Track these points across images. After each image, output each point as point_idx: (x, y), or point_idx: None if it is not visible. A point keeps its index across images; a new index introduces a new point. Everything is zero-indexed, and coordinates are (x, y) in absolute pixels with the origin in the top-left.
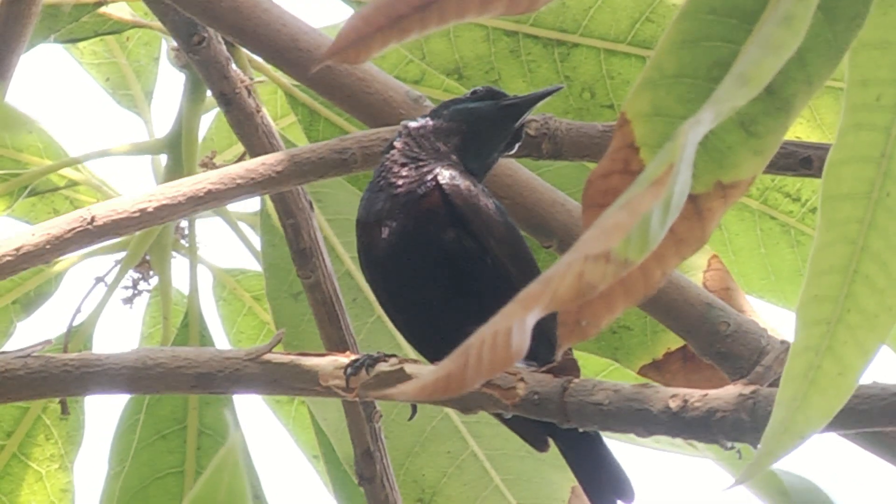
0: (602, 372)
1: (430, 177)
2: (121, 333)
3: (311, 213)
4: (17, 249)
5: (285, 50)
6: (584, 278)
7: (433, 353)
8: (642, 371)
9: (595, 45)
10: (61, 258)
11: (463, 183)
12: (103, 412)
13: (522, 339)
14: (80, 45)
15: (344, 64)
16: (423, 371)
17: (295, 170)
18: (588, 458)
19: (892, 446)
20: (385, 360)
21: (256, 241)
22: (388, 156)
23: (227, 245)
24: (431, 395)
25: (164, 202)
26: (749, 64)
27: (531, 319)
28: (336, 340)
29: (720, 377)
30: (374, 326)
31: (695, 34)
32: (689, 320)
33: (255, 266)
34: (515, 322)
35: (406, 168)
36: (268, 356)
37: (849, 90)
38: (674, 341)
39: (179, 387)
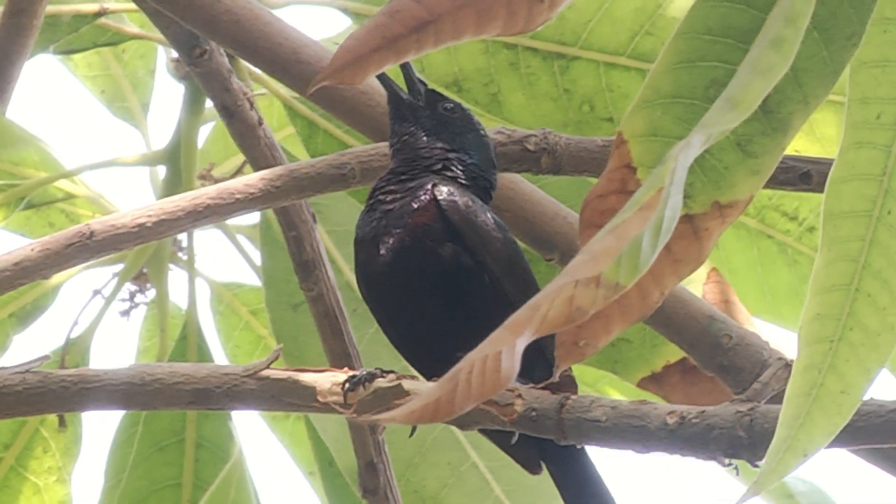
0: (597, 382)
1: (422, 191)
2: (118, 346)
3: (313, 226)
4: (17, 264)
5: (287, 63)
6: (574, 303)
7: (429, 369)
8: (641, 384)
9: (594, 58)
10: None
11: (461, 199)
12: (101, 425)
13: (512, 364)
14: (75, 57)
15: (340, 85)
16: (421, 388)
17: (293, 185)
18: (578, 480)
19: (891, 459)
20: (383, 376)
21: (255, 254)
22: (380, 177)
23: (225, 258)
24: (420, 420)
25: (163, 217)
26: (739, 87)
27: (521, 344)
28: (339, 352)
29: (719, 390)
30: (375, 337)
31: (691, 54)
32: (691, 333)
33: (253, 280)
34: (505, 347)
35: (395, 184)
36: (266, 372)
37: (849, 108)
38: (673, 354)
39: (177, 402)
